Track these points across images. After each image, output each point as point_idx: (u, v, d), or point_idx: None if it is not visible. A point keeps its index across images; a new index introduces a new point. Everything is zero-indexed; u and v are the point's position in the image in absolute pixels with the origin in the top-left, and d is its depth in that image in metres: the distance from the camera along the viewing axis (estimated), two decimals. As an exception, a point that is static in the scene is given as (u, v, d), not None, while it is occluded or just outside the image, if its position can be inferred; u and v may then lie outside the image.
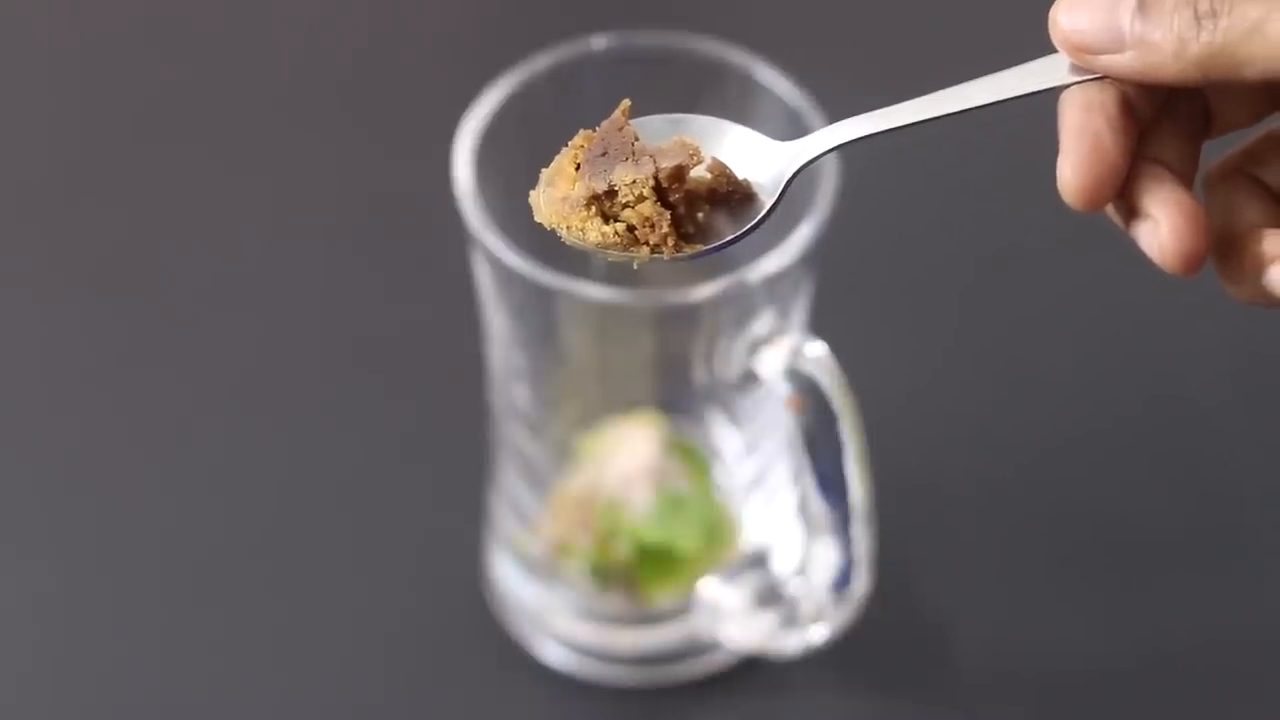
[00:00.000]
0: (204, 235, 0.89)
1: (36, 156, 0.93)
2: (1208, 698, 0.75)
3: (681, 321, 0.67)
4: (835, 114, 0.66)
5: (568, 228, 0.47)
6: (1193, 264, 0.46)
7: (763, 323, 0.66)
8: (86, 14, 1.00)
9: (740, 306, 0.65)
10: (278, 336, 0.85)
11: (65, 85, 0.96)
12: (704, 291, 0.64)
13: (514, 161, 0.66)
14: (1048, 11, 0.47)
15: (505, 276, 0.65)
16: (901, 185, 0.85)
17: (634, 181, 0.47)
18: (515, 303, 0.67)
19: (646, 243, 0.47)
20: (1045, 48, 0.47)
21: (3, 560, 0.78)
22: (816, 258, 0.66)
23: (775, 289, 0.65)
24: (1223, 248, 0.47)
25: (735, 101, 0.69)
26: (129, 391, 0.83)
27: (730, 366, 0.67)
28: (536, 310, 0.67)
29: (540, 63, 0.68)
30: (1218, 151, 0.49)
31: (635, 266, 0.48)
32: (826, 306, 0.71)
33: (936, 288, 0.87)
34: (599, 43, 0.68)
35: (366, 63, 0.97)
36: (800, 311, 0.68)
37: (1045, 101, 0.48)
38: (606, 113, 0.49)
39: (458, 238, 0.67)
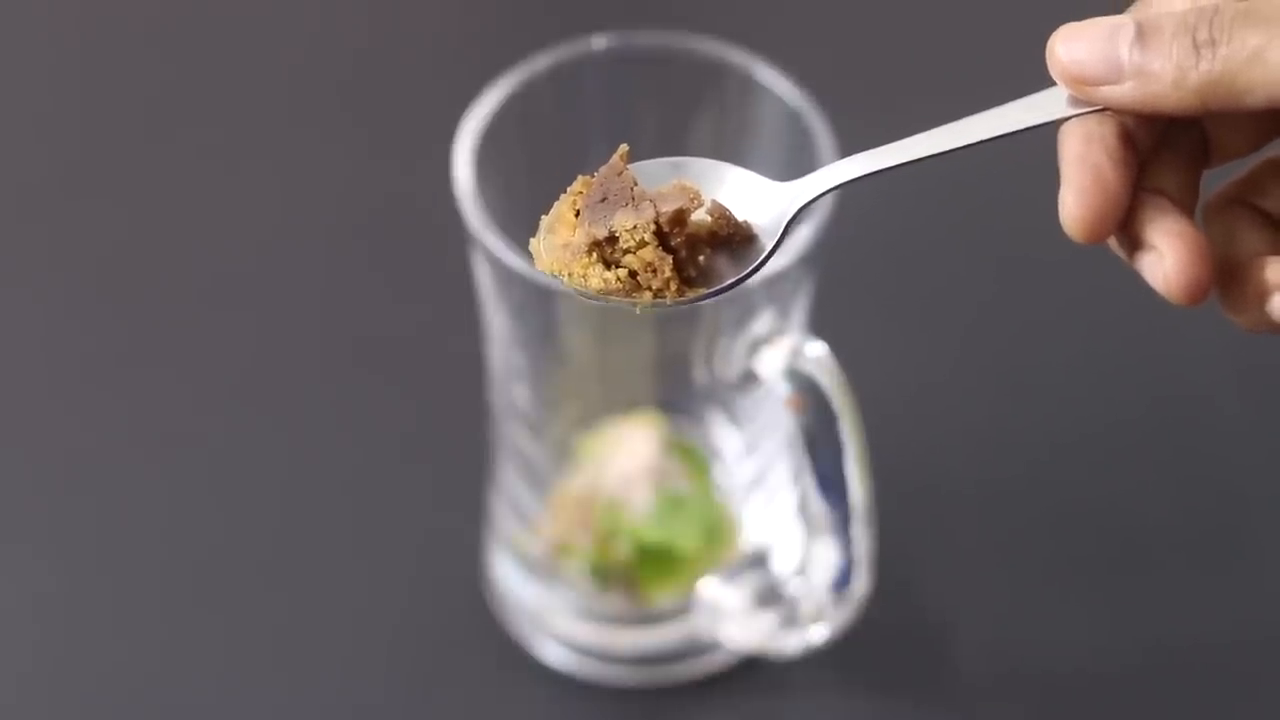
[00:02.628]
0: (204, 235, 0.89)
1: (37, 156, 0.93)
2: (1209, 698, 0.75)
3: (681, 321, 0.67)
4: (835, 114, 0.66)
5: (569, 275, 0.47)
6: (1198, 294, 0.45)
7: (763, 323, 0.66)
8: (87, 14, 1.00)
9: (740, 306, 0.65)
10: (278, 336, 0.85)
11: (65, 85, 0.96)
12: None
13: (514, 162, 0.66)
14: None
15: (505, 277, 0.65)
16: (901, 184, 0.85)
17: (635, 227, 0.46)
18: (515, 303, 0.67)
19: (649, 288, 0.47)
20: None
21: (3, 560, 0.78)
22: (817, 258, 0.66)
23: (775, 289, 0.65)
24: (1225, 277, 0.47)
25: (735, 102, 0.69)
26: (129, 391, 0.83)
27: (730, 366, 0.67)
28: (536, 310, 0.67)
29: (540, 63, 0.68)
30: (1213, 182, 0.49)
31: (638, 311, 0.48)
32: (826, 306, 0.71)
33: (937, 287, 0.87)
34: (599, 43, 0.68)
35: (367, 63, 0.97)
36: (800, 311, 0.68)
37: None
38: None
39: (458, 238, 0.66)
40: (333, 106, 0.95)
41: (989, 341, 0.85)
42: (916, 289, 0.87)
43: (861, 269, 0.86)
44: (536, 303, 0.66)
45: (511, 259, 0.64)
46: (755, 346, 0.66)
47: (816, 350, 0.65)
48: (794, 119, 0.67)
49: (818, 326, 0.70)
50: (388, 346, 0.85)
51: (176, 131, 0.94)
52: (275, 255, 0.89)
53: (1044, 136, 0.48)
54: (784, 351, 0.65)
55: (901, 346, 0.85)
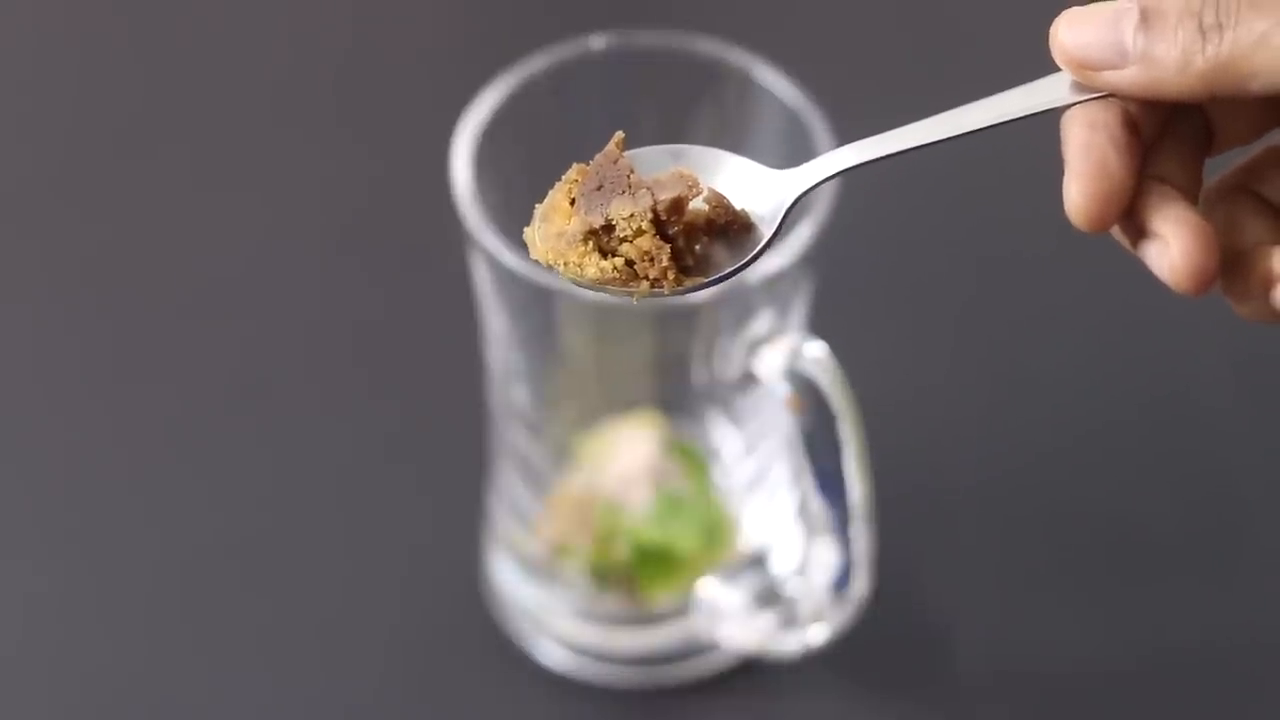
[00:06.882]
0: (201, 237, 0.89)
1: (26, 161, 0.93)
2: (1208, 699, 0.75)
3: (681, 322, 0.67)
4: (835, 114, 0.66)
5: (565, 264, 0.47)
6: (1204, 283, 0.45)
7: (762, 323, 0.66)
8: (75, 19, 0.99)
9: (739, 306, 0.65)
10: (275, 338, 0.85)
11: (52, 89, 0.96)
12: (703, 292, 0.64)
13: (512, 162, 0.66)
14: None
15: (504, 277, 0.65)
16: (901, 184, 0.85)
17: (632, 215, 0.46)
18: (514, 303, 0.67)
19: (646, 277, 0.46)
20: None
21: None
22: (816, 258, 0.66)
23: (774, 289, 0.65)
24: (1228, 266, 0.46)
25: (734, 102, 0.68)
26: (123, 393, 0.83)
27: (730, 366, 0.67)
28: (535, 311, 0.67)
29: (539, 63, 0.68)
30: (1212, 170, 0.49)
31: (635, 301, 0.47)
32: (826, 306, 0.70)
33: (936, 287, 0.87)
34: (598, 43, 0.68)
35: (365, 62, 0.97)
36: (800, 311, 0.68)
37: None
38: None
39: (456, 238, 0.66)
40: (330, 106, 0.95)
41: (989, 341, 0.85)
42: (916, 289, 0.87)
43: (861, 269, 0.86)
44: (535, 303, 0.66)
45: (510, 259, 0.64)
46: (754, 347, 0.66)
47: (816, 350, 0.65)
48: (793, 119, 0.67)
49: (817, 326, 0.70)
50: (386, 347, 0.85)
51: (169, 135, 0.94)
52: (273, 257, 0.88)
53: (1047, 136, 0.48)
54: (783, 351, 0.65)
55: (901, 346, 0.85)
